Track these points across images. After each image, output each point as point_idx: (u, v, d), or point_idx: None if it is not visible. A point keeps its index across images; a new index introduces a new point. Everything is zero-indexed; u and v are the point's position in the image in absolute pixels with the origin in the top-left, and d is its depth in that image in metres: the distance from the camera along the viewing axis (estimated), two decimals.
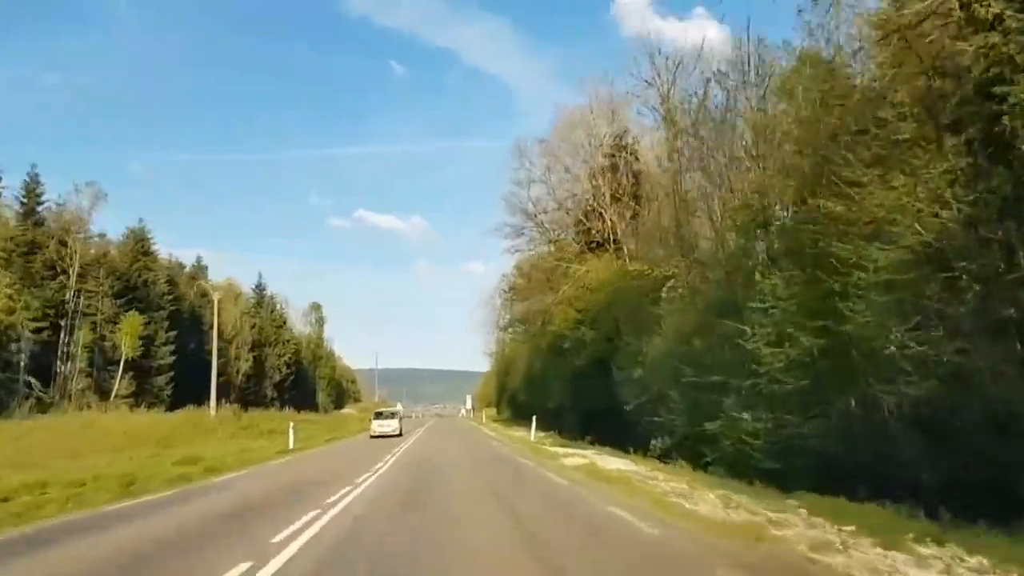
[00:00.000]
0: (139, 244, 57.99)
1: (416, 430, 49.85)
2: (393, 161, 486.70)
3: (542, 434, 41.82)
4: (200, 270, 78.34)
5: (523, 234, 44.58)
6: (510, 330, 61.05)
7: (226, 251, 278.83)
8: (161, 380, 56.85)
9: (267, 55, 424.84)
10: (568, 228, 42.76)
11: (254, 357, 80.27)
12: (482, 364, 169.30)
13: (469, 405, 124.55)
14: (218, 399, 67.31)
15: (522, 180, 42.78)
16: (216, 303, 45.23)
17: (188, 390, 53.72)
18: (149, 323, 56.19)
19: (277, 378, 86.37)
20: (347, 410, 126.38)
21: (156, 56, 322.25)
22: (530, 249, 46.12)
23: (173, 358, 57.21)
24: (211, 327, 71.47)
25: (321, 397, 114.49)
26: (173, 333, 57.79)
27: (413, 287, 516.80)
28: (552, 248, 43.26)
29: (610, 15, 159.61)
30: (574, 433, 38.49)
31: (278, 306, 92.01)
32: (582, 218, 38.84)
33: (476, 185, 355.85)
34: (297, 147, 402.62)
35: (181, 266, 73.65)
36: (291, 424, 31.89)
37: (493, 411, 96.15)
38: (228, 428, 43.92)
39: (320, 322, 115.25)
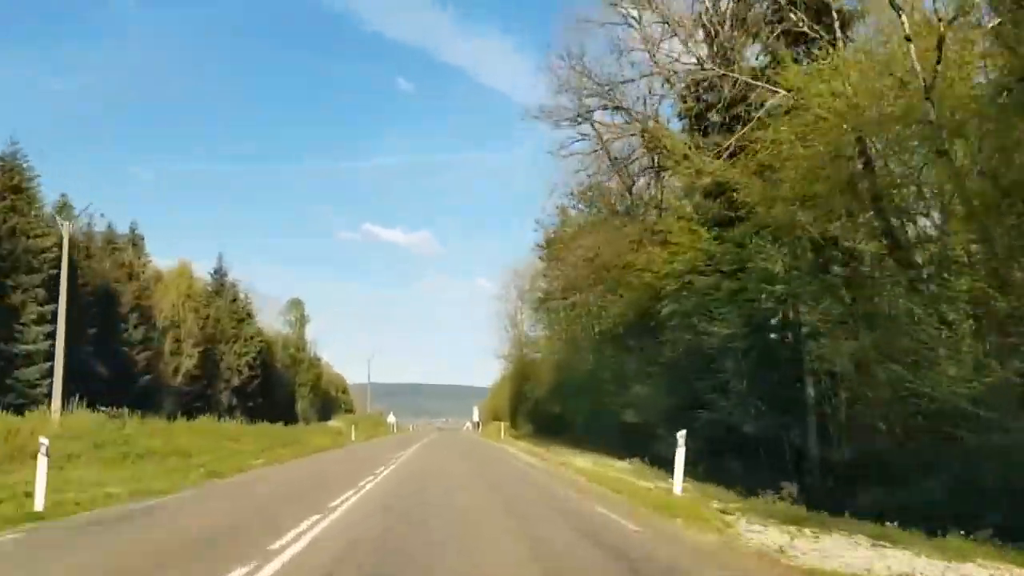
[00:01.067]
0: (8, 176, 39.34)
1: (399, 453, 31.35)
2: (399, 175, 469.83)
3: (623, 464, 23.06)
4: (135, 240, 59.76)
5: (584, 119, 25.83)
6: (545, 307, 42.17)
7: (234, 262, 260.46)
8: (31, 372, 38.16)
9: (275, 68, 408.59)
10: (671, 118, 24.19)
11: (200, 353, 61.33)
12: (487, 379, 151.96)
13: (476, 418, 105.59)
14: (152, 404, 48.99)
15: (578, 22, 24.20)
16: (66, 238, 26.41)
17: (82, 386, 35.50)
18: (14, 291, 37.67)
19: (236, 381, 67.35)
20: (332, 422, 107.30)
21: (167, 66, 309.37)
22: (594, 149, 27.40)
23: (49, 343, 38.40)
24: (131, 309, 53.01)
25: (301, 406, 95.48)
26: (50, 308, 38.96)
27: (419, 302, 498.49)
28: (641, 138, 24.42)
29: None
30: (691, 469, 19.76)
31: (241, 295, 73.18)
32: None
33: (483, 201, 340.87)
34: (306, 159, 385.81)
35: (112, 241, 55.06)
36: (41, 445, 12.50)
37: (503, 425, 77.18)
38: (75, 444, 25.15)
39: (301, 321, 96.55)
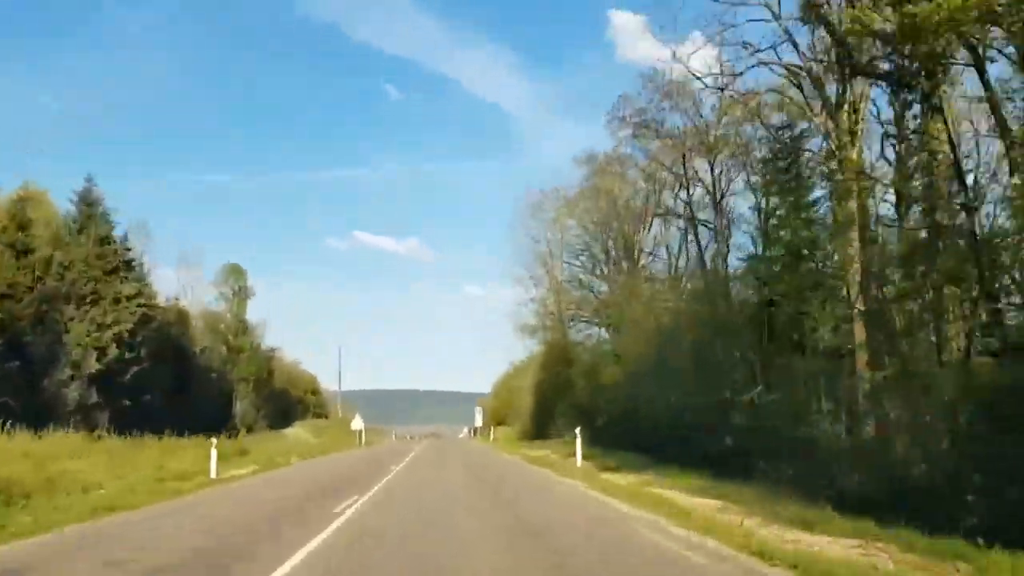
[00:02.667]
0: None
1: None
2: (389, 182, 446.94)
3: None
4: None
5: None
6: None
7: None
8: None
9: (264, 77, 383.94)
10: None
11: (21, 316, 34.93)
12: (484, 384, 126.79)
13: (478, 421, 79.15)
14: None
15: None
16: None
17: None
18: None
19: (95, 367, 40.57)
20: (291, 429, 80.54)
21: (155, 74, 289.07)
22: None
23: None
24: None
25: (242, 408, 68.65)
26: None
27: (410, 309, 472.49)
28: None
29: (605, 39, 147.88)
30: None
31: (117, 234, 46.12)
32: None
33: (473, 208, 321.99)
34: (296, 168, 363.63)
35: None
36: None
37: (516, 434, 49.95)
38: None
39: (241, 295, 69.51)
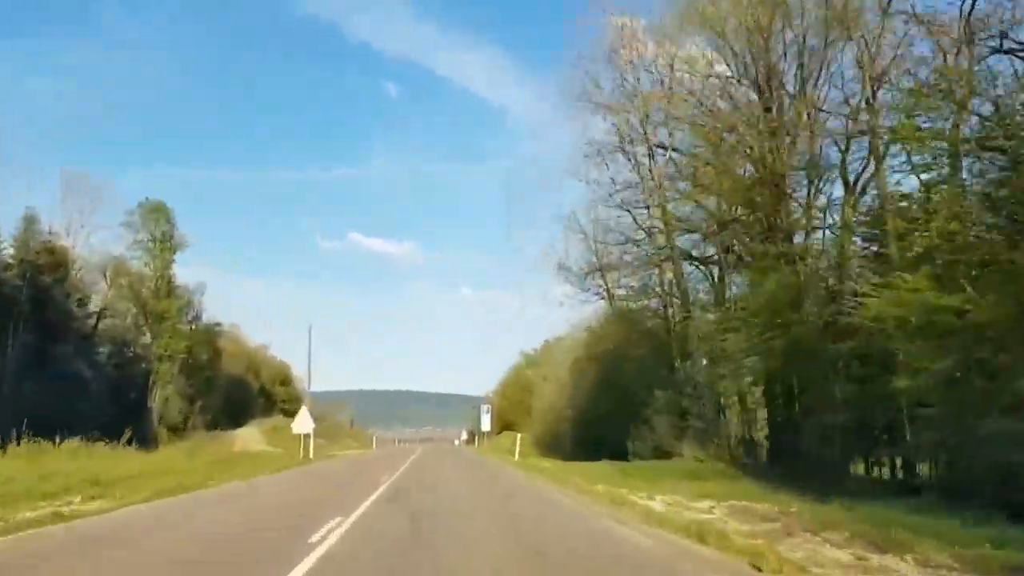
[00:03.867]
0: None
1: None
2: (384, 183, 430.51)
3: None
4: None
5: None
6: None
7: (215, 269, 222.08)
8: None
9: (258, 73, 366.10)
10: None
11: None
12: (481, 387, 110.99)
13: (486, 425, 59.78)
14: None
15: None
16: None
17: None
18: None
19: None
20: (244, 430, 61.12)
21: (151, 70, 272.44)
22: None
23: None
24: None
25: (160, 400, 49.13)
26: None
27: (407, 310, 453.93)
28: None
29: (603, 43, 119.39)
30: None
31: None
32: None
33: (468, 211, 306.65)
34: (289, 168, 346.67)
35: None
36: None
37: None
38: None
39: (165, 244, 49.81)
